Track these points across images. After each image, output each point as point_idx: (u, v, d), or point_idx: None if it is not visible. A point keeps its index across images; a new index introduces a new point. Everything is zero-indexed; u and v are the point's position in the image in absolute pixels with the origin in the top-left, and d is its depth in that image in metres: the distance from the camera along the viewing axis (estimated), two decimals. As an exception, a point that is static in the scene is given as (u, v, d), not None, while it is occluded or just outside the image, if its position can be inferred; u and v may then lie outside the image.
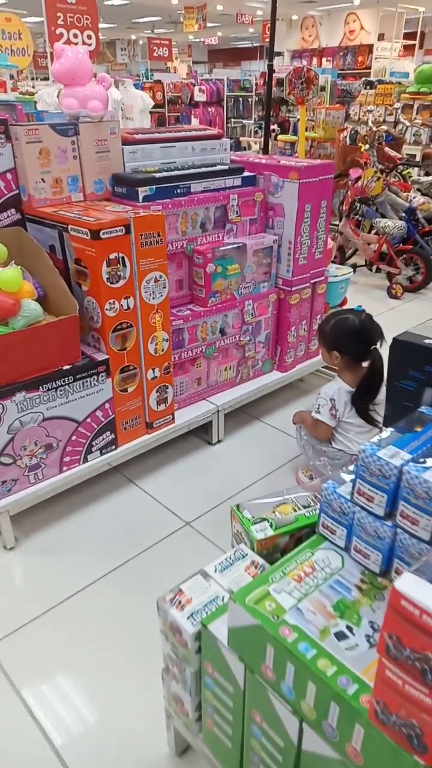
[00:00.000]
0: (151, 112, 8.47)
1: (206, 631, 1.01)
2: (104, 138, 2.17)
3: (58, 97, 2.13)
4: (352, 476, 0.98)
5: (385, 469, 0.88)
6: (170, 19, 17.75)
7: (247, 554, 1.21)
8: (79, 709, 1.50)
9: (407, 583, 0.64)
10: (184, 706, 1.19)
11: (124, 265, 1.94)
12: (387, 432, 0.95)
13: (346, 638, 0.87)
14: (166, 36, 16.51)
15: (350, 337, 2.04)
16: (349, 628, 0.88)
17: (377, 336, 2.02)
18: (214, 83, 9.84)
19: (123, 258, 1.93)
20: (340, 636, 0.87)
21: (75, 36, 6.25)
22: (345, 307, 3.15)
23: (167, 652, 1.19)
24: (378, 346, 2.02)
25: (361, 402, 2.05)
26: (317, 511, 1.25)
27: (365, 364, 2.07)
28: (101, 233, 1.85)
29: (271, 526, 1.25)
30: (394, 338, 1.01)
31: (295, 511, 1.30)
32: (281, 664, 0.87)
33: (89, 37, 6.39)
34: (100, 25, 6.85)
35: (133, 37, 19.43)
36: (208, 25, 14.95)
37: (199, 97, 9.78)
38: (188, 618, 1.07)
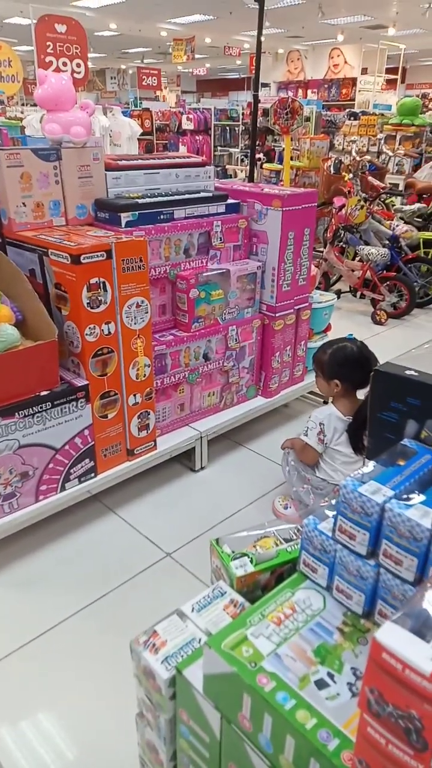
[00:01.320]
0: (139, 139, 8.59)
1: (181, 677, 0.96)
2: (87, 163, 2.17)
3: (41, 122, 2.12)
4: (334, 512, 0.94)
5: (367, 506, 0.84)
6: (160, 50, 18.17)
7: (225, 592, 1.16)
8: (45, 755, 1.41)
9: (389, 635, 0.60)
10: (159, 755, 1.12)
11: (105, 290, 1.92)
12: (369, 466, 0.92)
13: (327, 686, 0.82)
14: (155, 66, 16.87)
15: (350, 366, 2.04)
16: (330, 675, 0.83)
17: (374, 363, 2.02)
18: (202, 112, 10.03)
19: (104, 283, 1.91)
20: (320, 684, 0.82)
21: (64, 64, 6.35)
22: (329, 333, 3.15)
23: (141, 696, 1.13)
24: None
25: (361, 430, 2.03)
26: (299, 546, 1.21)
27: (361, 392, 2.07)
28: (82, 258, 1.82)
29: (251, 561, 1.20)
30: (375, 369, 0.99)
31: (276, 545, 1.26)
32: (259, 715, 0.81)
33: (78, 65, 6.50)
34: (91, 55, 6.98)
35: (123, 66, 19.84)
36: (197, 56, 15.32)
37: (187, 125, 9.95)
38: (162, 662, 1.01)
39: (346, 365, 2.05)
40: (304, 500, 2.11)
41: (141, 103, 12.45)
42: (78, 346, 1.95)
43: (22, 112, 9.24)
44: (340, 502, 0.88)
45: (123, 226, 2.12)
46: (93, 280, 1.88)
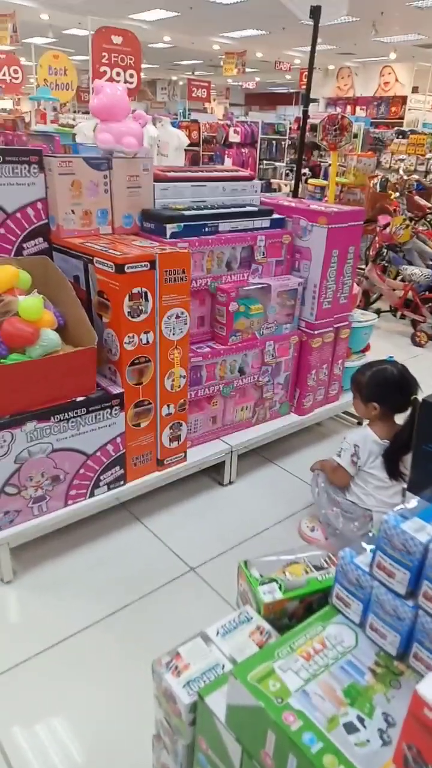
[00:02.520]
0: (185, 150, 8.70)
1: (203, 704, 0.93)
2: (136, 174, 2.19)
3: (94, 131, 2.16)
4: (372, 546, 0.91)
5: (410, 545, 0.81)
6: (211, 62, 18.41)
7: (252, 618, 1.13)
8: (56, 760, 1.40)
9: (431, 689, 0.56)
10: (174, 780, 1.10)
11: (147, 299, 1.93)
12: (413, 501, 0.88)
13: (357, 731, 0.78)
14: (205, 78, 17.12)
15: (390, 388, 1.99)
16: (361, 720, 0.80)
17: (415, 386, 1.97)
18: (249, 125, 10.09)
19: (146, 293, 1.91)
20: (349, 728, 0.78)
21: (118, 74, 6.48)
22: (367, 353, 3.09)
23: (159, 718, 1.10)
24: (417, 396, 1.97)
25: (398, 454, 1.98)
26: (330, 575, 1.18)
27: (399, 416, 2.03)
28: (126, 267, 1.83)
29: (280, 588, 1.17)
30: (424, 399, 0.95)
31: (306, 573, 1.22)
32: (283, 754, 0.78)
33: (131, 75, 6.63)
34: (143, 65, 7.12)
35: (174, 77, 20.19)
36: (247, 70, 15.47)
37: (234, 138, 10.02)
38: (184, 686, 0.99)
39: (386, 388, 2.00)
40: (333, 524, 2.06)
41: (189, 114, 12.63)
42: (116, 354, 1.96)
43: (74, 119, 9.49)
44: (381, 537, 0.85)
45: (168, 237, 2.13)
46: (135, 290, 1.88)
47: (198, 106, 15.05)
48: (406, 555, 0.82)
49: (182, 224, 2.15)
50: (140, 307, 1.92)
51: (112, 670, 1.64)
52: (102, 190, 2.13)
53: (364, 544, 0.94)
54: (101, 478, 2.04)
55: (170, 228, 2.13)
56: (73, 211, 2.08)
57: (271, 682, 0.83)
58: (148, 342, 1.99)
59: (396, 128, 9.61)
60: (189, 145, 9.68)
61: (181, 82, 18.75)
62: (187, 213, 2.20)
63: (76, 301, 1.95)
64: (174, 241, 2.12)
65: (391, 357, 2.05)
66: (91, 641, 1.72)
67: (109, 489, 2.08)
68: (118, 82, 6.44)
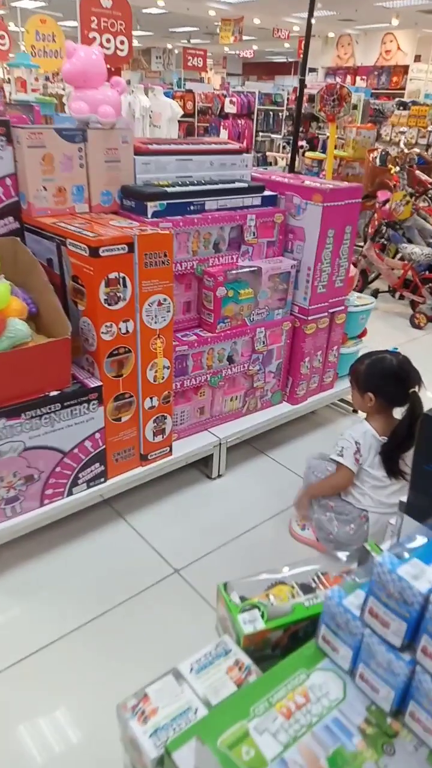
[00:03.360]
0: (180, 122, 8.39)
1: (170, 760, 0.82)
2: (115, 146, 2.01)
3: (67, 100, 1.97)
4: (362, 589, 0.79)
5: (407, 594, 0.68)
6: (207, 30, 17.77)
7: (230, 650, 1.01)
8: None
9: None
10: None
11: (125, 285, 1.78)
12: (418, 539, 0.75)
13: (343, 810, 0.67)
14: (201, 47, 16.54)
15: (387, 379, 1.86)
16: (348, 795, 0.68)
17: (415, 379, 1.83)
18: (246, 96, 9.74)
19: (124, 278, 1.76)
20: (334, 807, 0.67)
21: (108, 41, 6.17)
22: (364, 339, 2.95)
23: (127, 762, 1.00)
24: (416, 389, 1.83)
25: (397, 452, 1.85)
26: (319, 600, 1.06)
27: (397, 410, 1.90)
28: (101, 250, 1.68)
29: (262, 615, 1.05)
30: (425, 413, 0.82)
31: (293, 596, 1.11)
32: None
33: (122, 42, 6.31)
34: (137, 33, 6.81)
35: (169, 46, 19.50)
36: (244, 38, 14.92)
37: (230, 108, 9.68)
38: (151, 736, 0.87)
39: (382, 378, 1.86)
40: (327, 528, 1.95)
41: (185, 84, 12.21)
42: (93, 345, 1.82)
43: (63, 89, 9.12)
44: (374, 581, 0.73)
45: (149, 216, 1.97)
46: (112, 275, 1.73)
47: (194, 75, 14.57)
48: (402, 605, 0.70)
49: (165, 202, 1.99)
50: (118, 294, 1.77)
51: (88, 684, 1.54)
52: (77, 165, 1.96)
53: (355, 578, 0.82)
54: (80, 475, 1.91)
55: (151, 206, 1.96)
56: (45, 187, 1.91)
57: (245, 748, 0.72)
58: (127, 331, 1.85)
59: (397, 99, 9.28)
60: (184, 116, 9.37)
61: (176, 51, 18.11)
62: (170, 190, 2.03)
63: (48, 287, 1.80)
64: (156, 221, 1.96)
65: (395, 348, 1.91)
66: (66, 653, 1.61)
67: (88, 487, 1.96)
68: (108, 48, 6.15)
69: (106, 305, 1.76)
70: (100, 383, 1.84)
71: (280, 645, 1.07)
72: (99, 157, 1.99)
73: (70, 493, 1.91)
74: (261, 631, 1.02)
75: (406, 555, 0.73)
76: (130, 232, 1.77)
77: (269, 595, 1.11)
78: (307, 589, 1.13)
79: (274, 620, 1.03)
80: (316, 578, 1.15)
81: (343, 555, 1.22)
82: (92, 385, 1.83)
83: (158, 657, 1.60)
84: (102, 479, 1.99)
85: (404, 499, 1.91)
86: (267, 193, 2.33)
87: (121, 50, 6.52)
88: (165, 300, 1.89)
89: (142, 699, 0.95)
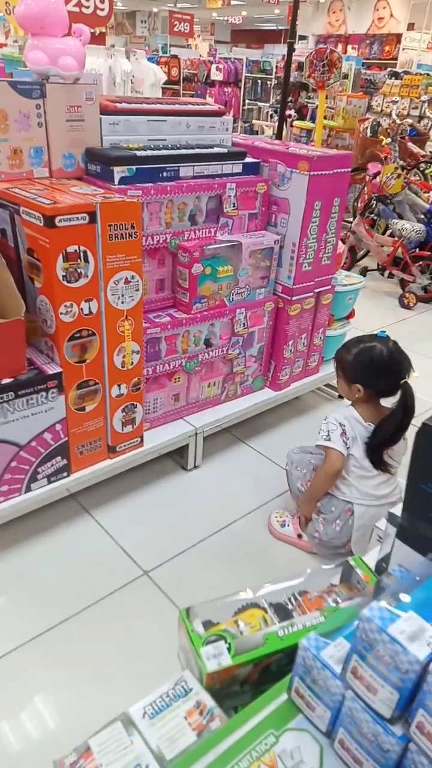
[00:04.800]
0: (164, 89, 8.03)
1: None
2: (78, 104, 1.80)
3: (20, 49, 1.75)
4: (346, 637, 0.64)
5: (401, 660, 0.54)
6: (194, -7, 17.07)
7: (191, 689, 0.87)
8: None
9: None
10: None
11: (87, 260, 1.59)
12: (407, 595, 0.60)
13: None
14: (189, 11, 15.88)
15: (378, 371, 1.70)
16: None
17: (406, 367, 1.68)
18: (233, 62, 9.38)
19: (85, 252, 1.57)
20: None
21: (87, 0, 5.82)
22: (351, 320, 2.79)
23: None
24: (407, 378, 1.68)
25: (383, 445, 1.71)
26: (296, 629, 0.92)
27: (386, 399, 1.75)
28: (57, 220, 1.48)
29: (229, 648, 0.90)
30: (424, 423, 0.67)
31: (266, 621, 0.96)
32: None
33: (102, 1, 5.96)
34: (120, -6, 6.41)
35: (155, 9, 18.73)
36: (233, 2, 14.34)
37: (216, 75, 9.32)
38: (90, 805, 0.73)
39: (372, 370, 1.71)
40: (312, 527, 1.82)
41: (170, 50, 11.73)
42: (52, 327, 1.63)
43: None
44: (359, 638, 0.58)
45: (116, 182, 1.77)
46: (71, 249, 1.54)
47: (181, 42, 14.01)
48: (394, 671, 0.55)
49: (134, 167, 1.79)
50: (79, 270, 1.58)
51: (42, 704, 1.40)
52: (35, 124, 1.75)
53: (339, 611, 0.67)
54: (39, 470, 1.75)
55: (119, 171, 1.76)
56: (-3, 148, 1.70)
57: None
58: (90, 312, 1.66)
59: (389, 69, 8.95)
60: (168, 83, 8.99)
61: (163, 14, 17.40)
62: (140, 153, 1.82)
63: (0, 261, 1.60)
64: (124, 188, 1.76)
65: (383, 332, 1.75)
66: (19, 668, 1.47)
67: (50, 482, 1.80)
68: (87, 8, 5.79)
69: (65, 282, 1.57)
70: (60, 369, 1.66)
71: (251, 680, 0.93)
72: (60, 115, 1.78)
73: (28, 490, 1.75)
74: (227, 668, 0.88)
75: (397, 603, 0.58)
76: (93, 199, 1.58)
77: (238, 622, 0.96)
78: (282, 611, 0.98)
79: (243, 654, 0.88)
80: (293, 598, 1.01)
81: (327, 566, 1.08)
82: (51, 372, 1.65)
83: (122, 674, 1.46)
84: (65, 474, 1.82)
85: (391, 497, 1.79)
86: (249, 159, 2.13)
87: (101, 9, 6.16)
88: (133, 277, 1.71)
89: (83, 754, 0.80)
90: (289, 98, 7.21)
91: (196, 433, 2.17)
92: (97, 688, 1.42)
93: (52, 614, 1.60)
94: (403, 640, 0.54)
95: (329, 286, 2.40)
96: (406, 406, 1.65)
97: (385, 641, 0.54)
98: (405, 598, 0.59)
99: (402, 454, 1.79)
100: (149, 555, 1.83)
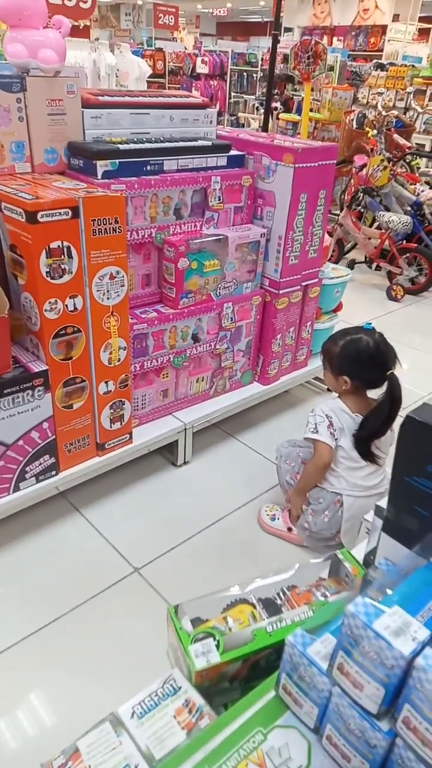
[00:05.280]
0: (149, 82, 7.95)
1: None
2: (59, 97, 1.77)
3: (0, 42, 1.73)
4: (332, 632, 0.63)
5: (386, 656, 0.53)
6: (178, -15, 16.91)
7: (180, 687, 0.86)
8: None
9: None
10: None
11: (70, 256, 1.57)
12: (392, 592, 0.60)
13: None
14: (173, 3, 15.74)
15: (364, 362, 1.70)
16: None
17: (393, 359, 1.69)
18: (218, 55, 9.29)
19: (68, 248, 1.55)
20: None
21: (69, -9, 5.75)
22: (339, 313, 2.79)
23: None
24: (393, 369, 1.69)
25: (374, 435, 1.72)
26: (284, 624, 0.92)
27: (372, 391, 1.76)
28: (39, 215, 1.46)
29: (218, 645, 0.90)
30: (408, 415, 0.66)
31: (254, 617, 0.96)
32: None
33: (85, -7, 5.89)
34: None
35: (139, 2, 18.57)
36: (217, -6, 14.22)
37: (201, 68, 9.24)
38: (78, 807, 0.72)
39: (359, 362, 1.71)
40: (301, 523, 1.83)
41: (155, 43, 11.62)
42: (36, 324, 1.62)
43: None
44: (345, 633, 0.57)
45: (99, 177, 1.75)
46: (54, 244, 1.52)
47: (166, 35, 13.88)
48: (380, 667, 0.54)
49: (117, 161, 1.77)
50: (62, 266, 1.56)
51: (33, 704, 1.39)
52: (16, 118, 1.72)
53: (327, 605, 0.67)
54: (27, 469, 1.73)
55: (102, 165, 1.74)
56: (-23, 143, 1.67)
57: None
58: (75, 308, 1.64)
59: (375, 61, 8.94)
60: (154, 77, 8.91)
61: (147, 7, 17.22)
62: (123, 147, 1.80)
63: (-18, 259, 1.58)
64: (107, 182, 1.74)
65: (368, 324, 1.75)
66: (10, 668, 1.46)
67: (38, 481, 1.78)
68: (70, 0, 5.72)
69: (48, 279, 1.55)
70: (45, 367, 1.64)
71: (240, 676, 0.93)
72: (41, 109, 1.75)
73: (16, 489, 1.73)
74: (216, 665, 0.87)
75: (383, 598, 0.57)
76: (75, 194, 1.55)
77: (227, 618, 0.96)
78: (271, 607, 0.98)
79: (232, 651, 0.88)
80: (281, 593, 1.01)
81: (315, 560, 1.07)
82: (37, 370, 1.63)
83: (114, 671, 1.46)
84: (53, 472, 1.81)
85: (380, 487, 1.80)
86: (234, 152, 2.12)
87: (84, 2, 6.09)
88: (118, 273, 1.69)
89: (71, 756, 0.80)
90: (275, 91, 7.18)
91: (186, 429, 2.16)
92: (88, 685, 1.42)
93: (43, 613, 1.59)
94: (387, 635, 0.53)
95: (316, 279, 2.40)
96: (393, 398, 1.65)
97: (370, 637, 0.54)
98: (389, 585, 0.58)
99: (389, 445, 1.80)
100: (140, 552, 1.82)
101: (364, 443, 1.75)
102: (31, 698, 1.40)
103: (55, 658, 1.48)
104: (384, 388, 1.69)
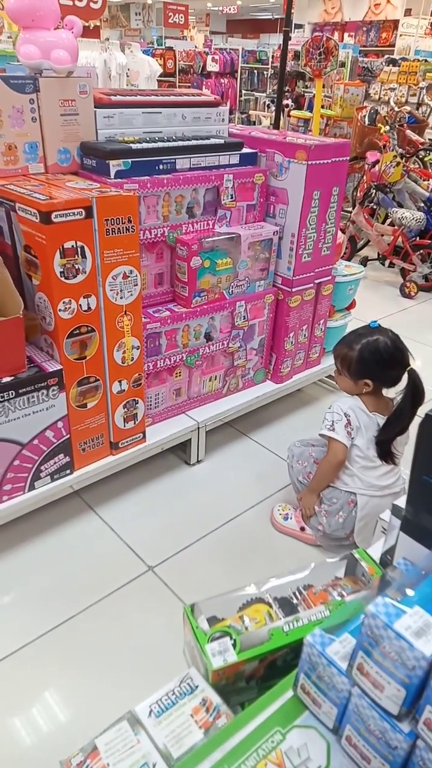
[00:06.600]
0: (160, 81, 7.96)
1: None
2: (72, 98, 1.78)
3: (14, 44, 1.73)
4: (351, 632, 0.63)
5: (407, 656, 0.53)
6: (188, -17, 16.90)
7: (197, 686, 0.86)
8: None
9: None
10: None
11: (84, 256, 1.57)
12: (412, 592, 0.59)
13: None
14: (183, 2, 15.73)
15: (386, 363, 1.69)
16: None
17: (408, 354, 1.68)
18: (229, 53, 9.28)
19: (82, 248, 1.56)
20: None
21: (80, -8, 5.77)
22: (352, 311, 2.77)
23: None
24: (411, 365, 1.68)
25: (395, 432, 1.70)
26: (301, 623, 0.91)
27: (387, 389, 1.75)
28: (53, 216, 1.47)
29: (234, 645, 0.90)
30: (427, 414, 0.65)
31: (270, 617, 0.96)
32: None
33: (95, -7, 5.91)
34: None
35: (149, 1, 18.58)
36: (227, -9, 14.17)
37: (212, 67, 9.23)
38: (97, 805, 0.73)
39: (381, 363, 1.69)
40: (314, 524, 1.82)
41: (164, 42, 11.64)
42: (51, 324, 1.62)
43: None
44: (365, 634, 0.57)
45: (112, 176, 1.75)
46: (68, 244, 1.53)
47: (175, 34, 13.89)
48: (401, 668, 0.54)
49: (130, 160, 1.77)
50: (76, 266, 1.57)
51: (51, 701, 1.40)
52: (29, 119, 1.73)
53: (344, 606, 0.66)
54: (42, 468, 1.74)
55: (114, 165, 1.74)
56: (-9, 145, 1.69)
57: None
58: (89, 308, 1.65)
59: (386, 56, 8.86)
60: (164, 75, 8.92)
61: (157, 6, 17.23)
62: (136, 146, 1.81)
63: (-3, 259, 1.59)
64: (120, 182, 1.74)
65: (374, 322, 1.73)
66: (28, 666, 1.47)
67: (53, 480, 1.79)
68: (80, 0, 5.74)
69: (62, 279, 1.56)
70: (60, 367, 1.65)
71: (256, 676, 0.93)
72: (54, 109, 1.76)
73: (32, 488, 1.75)
74: (233, 664, 0.87)
75: (403, 598, 0.57)
76: (89, 194, 1.56)
77: (243, 617, 0.96)
78: (287, 606, 0.97)
79: (249, 650, 0.88)
80: (297, 593, 1.00)
81: (331, 560, 1.07)
82: (51, 369, 1.64)
83: (129, 670, 1.46)
84: (68, 471, 1.82)
85: (394, 487, 1.78)
86: (246, 150, 2.11)
87: (95, 2, 6.11)
88: (131, 272, 1.70)
89: (89, 754, 0.80)
90: (286, 88, 7.16)
91: (199, 428, 2.16)
92: (104, 684, 1.43)
93: (58, 611, 1.60)
94: (409, 636, 0.53)
95: (329, 277, 2.39)
96: (416, 391, 1.63)
97: (390, 637, 0.54)
98: (409, 585, 0.58)
99: (405, 444, 1.78)
100: (154, 550, 1.82)
101: (386, 444, 1.73)
102: (48, 696, 1.41)
103: (70, 657, 1.49)
104: (403, 384, 1.68)
